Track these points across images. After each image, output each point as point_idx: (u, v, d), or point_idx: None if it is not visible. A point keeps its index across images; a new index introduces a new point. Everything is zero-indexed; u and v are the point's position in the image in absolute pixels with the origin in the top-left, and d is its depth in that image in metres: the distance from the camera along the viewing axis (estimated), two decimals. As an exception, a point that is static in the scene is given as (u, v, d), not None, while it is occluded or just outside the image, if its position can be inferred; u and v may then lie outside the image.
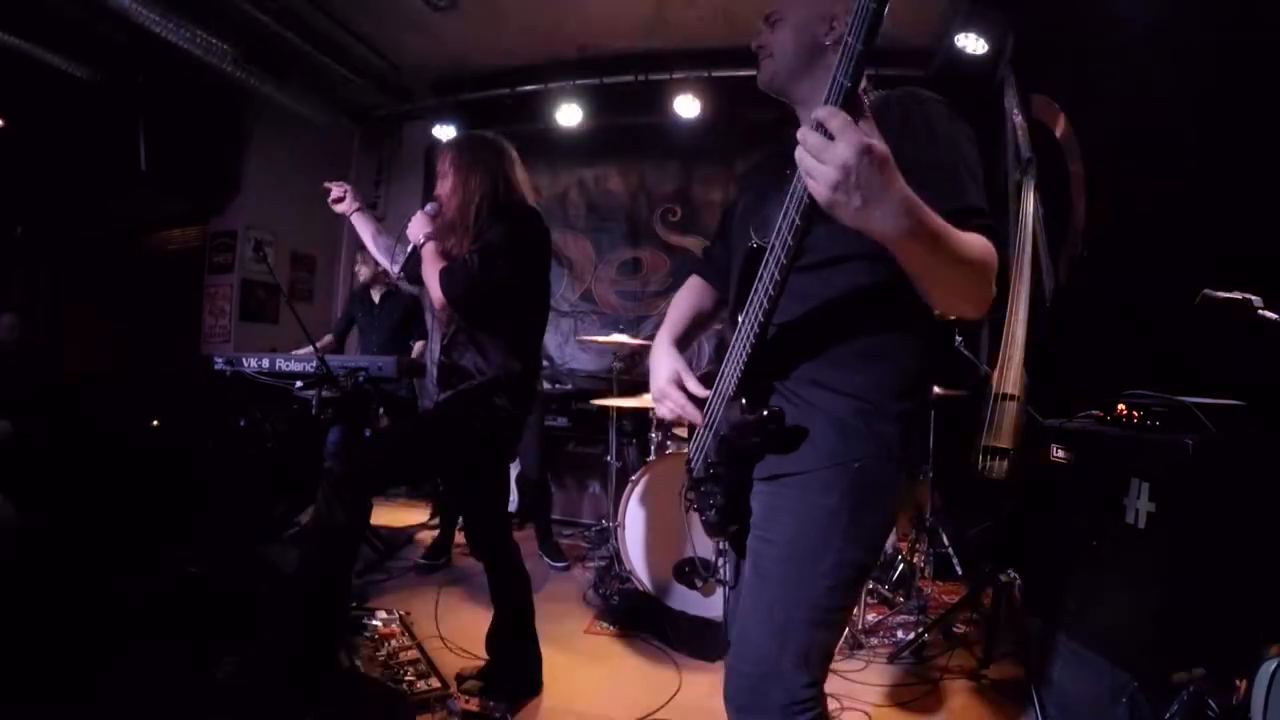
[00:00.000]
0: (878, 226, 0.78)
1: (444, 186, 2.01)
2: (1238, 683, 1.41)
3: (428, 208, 2.00)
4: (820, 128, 0.74)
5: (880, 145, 0.74)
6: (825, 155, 0.73)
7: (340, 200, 2.20)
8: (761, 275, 0.95)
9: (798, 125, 1.19)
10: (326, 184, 2.23)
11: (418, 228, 1.97)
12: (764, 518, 1.09)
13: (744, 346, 1.02)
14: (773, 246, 0.92)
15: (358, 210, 2.21)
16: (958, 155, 0.98)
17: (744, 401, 1.04)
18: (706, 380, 1.20)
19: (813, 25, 1.09)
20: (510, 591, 2.10)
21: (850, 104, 0.75)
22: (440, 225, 1.98)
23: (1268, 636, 1.45)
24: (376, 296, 3.82)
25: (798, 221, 0.86)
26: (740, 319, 1.04)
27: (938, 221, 0.82)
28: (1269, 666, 1.37)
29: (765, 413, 1.02)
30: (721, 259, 1.34)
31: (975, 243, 0.89)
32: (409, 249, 2.02)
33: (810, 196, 0.78)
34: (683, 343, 1.35)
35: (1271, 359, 1.49)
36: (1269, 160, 1.84)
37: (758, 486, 1.10)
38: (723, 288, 1.35)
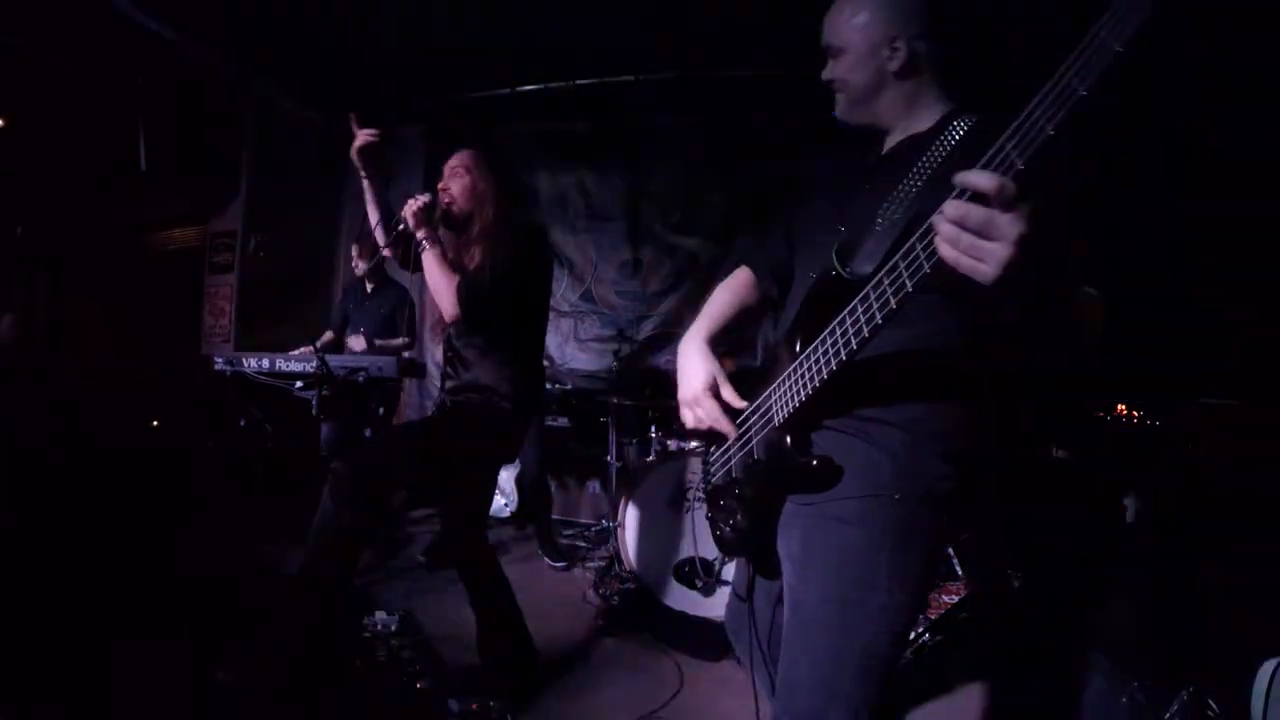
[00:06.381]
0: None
1: (455, 186, 2.00)
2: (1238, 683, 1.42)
3: (423, 197, 1.92)
4: (979, 197, 0.65)
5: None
6: (997, 232, 0.65)
7: (370, 144, 2.05)
8: (855, 309, 0.88)
9: (838, 138, 1.20)
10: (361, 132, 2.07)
11: (416, 219, 1.89)
12: (801, 551, 1.03)
13: (806, 381, 0.95)
14: (880, 284, 0.83)
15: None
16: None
17: (790, 440, 0.99)
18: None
19: (875, 55, 1.09)
20: (489, 595, 2.08)
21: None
22: (451, 235, 1.99)
23: (1268, 637, 1.45)
24: (369, 288, 3.84)
25: (927, 271, 0.76)
26: (801, 348, 0.97)
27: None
28: (1269, 666, 1.37)
29: (814, 462, 0.97)
30: (779, 257, 1.28)
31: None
32: (398, 230, 1.92)
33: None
34: (718, 340, 1.27)
35: (1271, 359, 1.49)
36: (1269, 159, 1.84)
37: (790, 508, 1.05)
38: (771, 284, 1.30)
